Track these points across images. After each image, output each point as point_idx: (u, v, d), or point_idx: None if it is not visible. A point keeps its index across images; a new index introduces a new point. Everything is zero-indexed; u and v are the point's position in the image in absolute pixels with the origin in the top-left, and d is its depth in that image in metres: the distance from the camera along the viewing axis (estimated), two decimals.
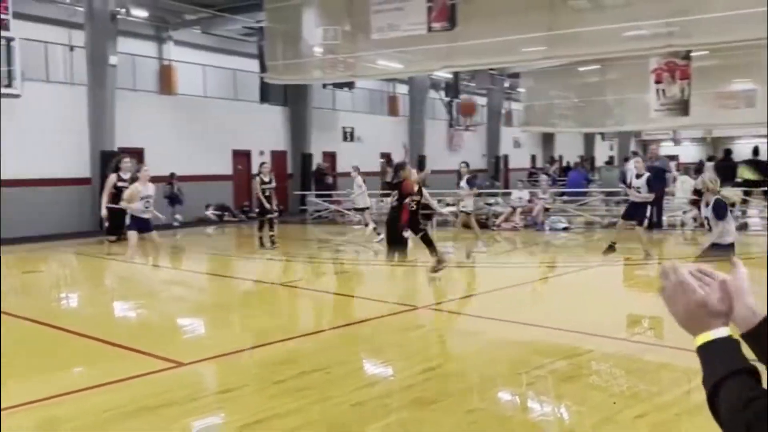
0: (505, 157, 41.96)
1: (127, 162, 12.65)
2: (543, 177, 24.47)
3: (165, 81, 24.72)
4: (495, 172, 38.27)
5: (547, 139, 46.41)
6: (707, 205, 8.65)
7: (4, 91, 16.97)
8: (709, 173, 10.03)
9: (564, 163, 35.42)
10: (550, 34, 17.73)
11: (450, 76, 34.06)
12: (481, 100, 40.72)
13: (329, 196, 25.06)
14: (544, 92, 35.26)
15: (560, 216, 19.87)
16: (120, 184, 12.25)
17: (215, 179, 24.82)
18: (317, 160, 28.32)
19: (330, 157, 30.31)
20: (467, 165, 16.24)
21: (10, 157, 18.62)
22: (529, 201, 20.19)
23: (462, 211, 15.63)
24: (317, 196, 25.02)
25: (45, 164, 19.66)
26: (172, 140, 23.10)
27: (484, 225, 19.87)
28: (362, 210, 17.73)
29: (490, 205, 21.42)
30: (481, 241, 14.72)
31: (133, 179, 11.67)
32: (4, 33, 16.75)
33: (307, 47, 22.10)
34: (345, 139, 31.16)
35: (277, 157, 27.48)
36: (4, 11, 16.90)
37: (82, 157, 20.44)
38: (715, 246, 8.60)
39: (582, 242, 16.39)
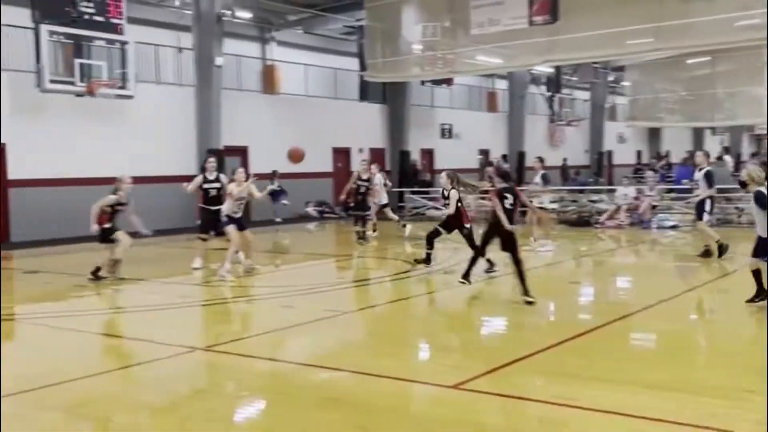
0: (609, 152, 40.91)
1: (211, 162, 12.90)
2: (649, 173, 23.69)
3: (268, 80, 25.33)
4: (598, 169, 37.37)
5: (654, 134, 44.97)
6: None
7: (118, 92, 17.80)
8: (752, 165, 9.59)
9: (672, 159, 34.23)
10: (658, 25, 17.14)
11: (551, 70, 33.47)
12: (584, 95, 39.86)
13: (426, 192, 25.08)
14: (650, 85, 34.23)
15: (668, 214, 19.18)
16: (206, 185, 12.49)
17: (316, 176, 25.26)
18: (414, 158, 28.44)
19: (428, 154, 30.35)
20: (541, 160, 15.89)
21: (123, 156, 19.55)
22: (635, 198, 19.57)
23: (539, 208, 15.25)
24: (414, 193, 25.07)
25: (155, 162, 20.54)
26: (275, 138, 23.63)
27: (586, 223, 19.45)
28: (384, 206, 17.61)
29: (593, 202, 20.89)
30: (533, 237, 14.63)
31: (230, 180, 11.91)
32: (118, 37, 17.58)
33: (407, 45, 22.19)
34: (443, 135, 31.12)
35: (376, 154, 27.70)
36: (118, 16, 17.75)
37: (189, 155, 21.19)
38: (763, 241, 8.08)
39: (690, 241, 15.76)
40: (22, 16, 17.23)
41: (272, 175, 22.48)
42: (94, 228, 10.99)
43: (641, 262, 14.50)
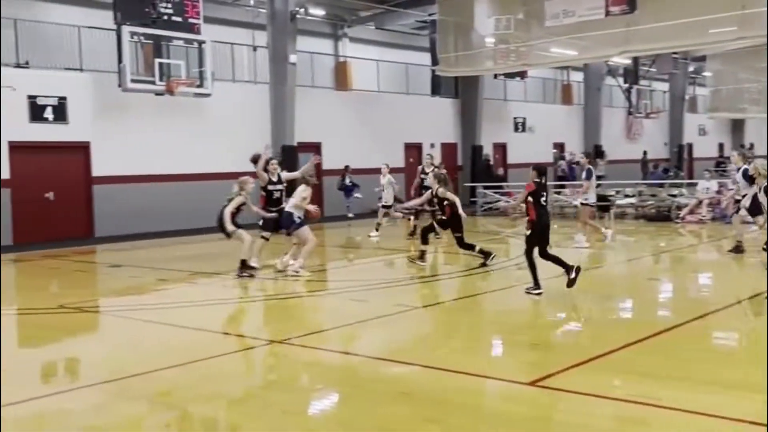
0: (690, 145, 39.73)
1: (274, 164, 12.92)
2: (732, 166, 22.85)
3: (341, 77, 25.56)
4: (678, 162, 36.35)
5: (737, 126, 43.47)
6: (760, 189, 9.45)
7: (196, 90, 18.23)
8: (760, 159, 10.16)
9: (756, 152, 33.03)
10: (742, 12, 16.53)
11: (629, 61, 32.69)
12: (663, 86, 38.80)
13: (499, 187, 24.86)
14: (733, 75, 33.13)
15: None
16: (270, 187, 12.43)
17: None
18: (486, 152, 28.26)
19: (501, 148, 30.07)
20: (587, 155, 15.45)
21: (201, 153, 20.09)
22: (718, 192, 18.95)
23: (583, 203, 14.71)
24: (486, 187, 24.88)
25: (231, 159, 20.98)
26: (348, 134, 23.84)
27: (666, 217, 18.96)
28: (389, 207, 17.21)
29: (673, 196, 20.33)
30: (583, 234, 14.29)
31: (305, 180, 11.96)
32: (196, 36, 18.02)
33: (479, 38, 22.05)
34: (516, 129, 30.79)
35: (447, 149, 27.62)
36: (195, 16, 18.20)
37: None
38: None
39: None
40: (105, 18, 17.86)
41: (344, 171, 22.70)
42: (232, 229, 11.16)
43: (723, 259, 14.04)
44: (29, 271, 13.57)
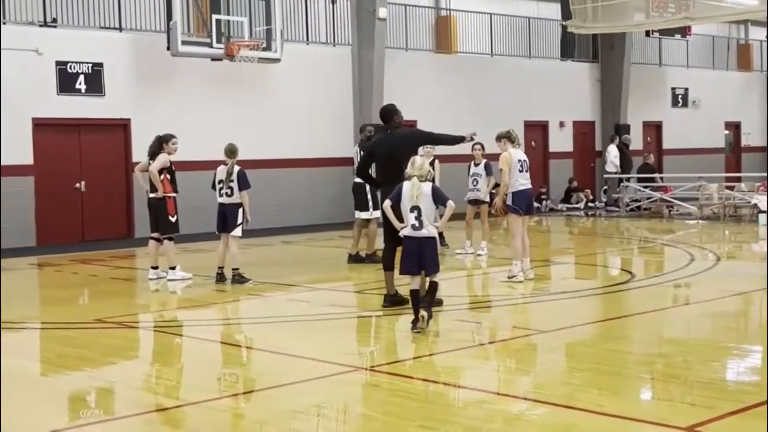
0: None
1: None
2: None
3: (443, 36, 25.58)
4: None
5: None
6: None
7: (262, 54, 18.62)
8: None
9: None
10: None
11: None
12: None
13: (651, 180, 24.50)
14: None
15: None
16: None
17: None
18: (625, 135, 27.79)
19: (654, 128, 29.66)
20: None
21: (267, 134, 20.66)
22: None
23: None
24: (638, 180, 24.55)
25: (305, 142, 21.51)
26: (450, 110, 23.69)
27: None
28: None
29: None
30: None
31: None
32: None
33: None
34: (675, 104, 30.30)
35: (582, 128, 27.44)
36: None
37: (346, 132, 21.88)
38: None
39: None
40: None
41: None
42: None
43: None
44: None
